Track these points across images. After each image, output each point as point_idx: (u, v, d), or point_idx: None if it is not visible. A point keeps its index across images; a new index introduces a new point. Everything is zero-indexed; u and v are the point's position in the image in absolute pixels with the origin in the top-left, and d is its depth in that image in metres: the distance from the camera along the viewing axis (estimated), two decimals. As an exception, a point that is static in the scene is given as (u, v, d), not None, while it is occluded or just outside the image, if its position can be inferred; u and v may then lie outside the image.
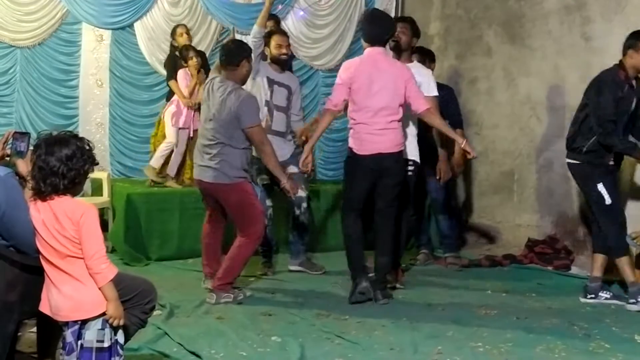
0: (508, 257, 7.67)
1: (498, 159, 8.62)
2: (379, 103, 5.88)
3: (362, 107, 5.92)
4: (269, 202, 6.85)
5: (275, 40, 6.85)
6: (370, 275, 6.10)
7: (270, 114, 6.78)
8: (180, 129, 7.98)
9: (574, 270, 7.26)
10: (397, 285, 6.45)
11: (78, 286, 3.46)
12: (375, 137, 5.90)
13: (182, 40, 8.35)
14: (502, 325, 5.35)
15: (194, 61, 8.08)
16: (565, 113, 7.67)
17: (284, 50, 6.85)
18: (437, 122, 6.11)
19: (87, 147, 3.53)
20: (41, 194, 3.45)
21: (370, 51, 6.01)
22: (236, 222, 6.07)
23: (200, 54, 8.36)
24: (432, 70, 7.51)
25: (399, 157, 6.00)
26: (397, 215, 6.19)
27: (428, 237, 7.89)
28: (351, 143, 6.03)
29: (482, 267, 7.50)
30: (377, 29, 6.03)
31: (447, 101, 7.49)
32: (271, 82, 6.79)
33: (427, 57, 7.60)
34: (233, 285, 6.03)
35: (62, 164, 3.44)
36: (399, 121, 5.95)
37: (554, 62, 7.85)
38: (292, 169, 6.76)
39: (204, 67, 8.27)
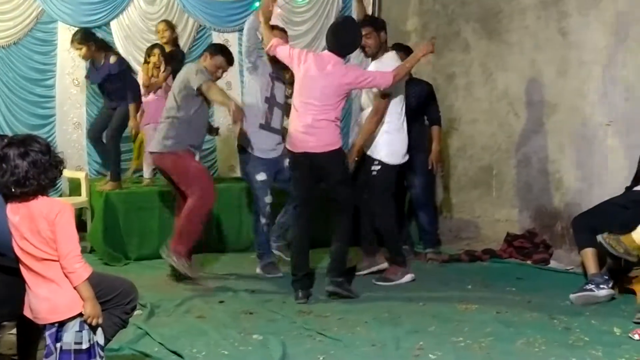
0: (487, 252, 7.69)
1: (476, 154, 8.65)
2: (307, 99, 5.92)
3: (295, 98, 6.05)
4: (268, 200, 6.81)
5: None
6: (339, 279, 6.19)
7: (270, 110, 6.75)
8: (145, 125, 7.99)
9: (553, 264, 7.29)
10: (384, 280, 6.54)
11: (54, 288, 3.45)
12: (302, 136, 5.95)
13: (159, 36, 8.38)
14: (483, 319, 5.36)
15: (155, 56, 8.05)
16: (542, 108, 7.72)
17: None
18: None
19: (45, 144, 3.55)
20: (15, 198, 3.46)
21: (323, 53, 6.11)
22: (182, 187, 6.36)
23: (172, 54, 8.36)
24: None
25: (332, 156, 5.95)
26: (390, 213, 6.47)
27: (408, 233, 7.90)
28: (286, 140, 6.18)
29: (462, 262, 7.51)
30: (336, 42, 6.03)
31: (426, 97, 7.53)
32: (272, 78, 6.78)
33: (404, 53, 7.61)
34: (189, 253, 6.32)
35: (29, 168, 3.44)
36: (331, 120, 5.93)
37: (531, 57, 7.88)
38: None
39: (169, 63, 8.26)
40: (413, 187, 7.61)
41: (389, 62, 6.37)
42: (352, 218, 6.16)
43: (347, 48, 6.12)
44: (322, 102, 5.91)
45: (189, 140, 6.43)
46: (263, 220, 6.79)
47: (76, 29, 8.78)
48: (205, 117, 6.70)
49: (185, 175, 6.33)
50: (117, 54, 7.90)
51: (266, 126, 6.75)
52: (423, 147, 7.50)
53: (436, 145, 7.56)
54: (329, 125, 5.93)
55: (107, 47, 7.86)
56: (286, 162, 6.69)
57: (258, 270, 6.87)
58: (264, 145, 6.75)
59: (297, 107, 6.01)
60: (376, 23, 6.66)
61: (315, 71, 5.95)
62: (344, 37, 6.06)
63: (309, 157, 5.94)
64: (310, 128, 5.91)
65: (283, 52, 6.20)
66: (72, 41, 7.72)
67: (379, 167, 6.38)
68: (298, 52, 6.15)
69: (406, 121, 6.88)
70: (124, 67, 7.74)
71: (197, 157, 6.71)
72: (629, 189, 6.17)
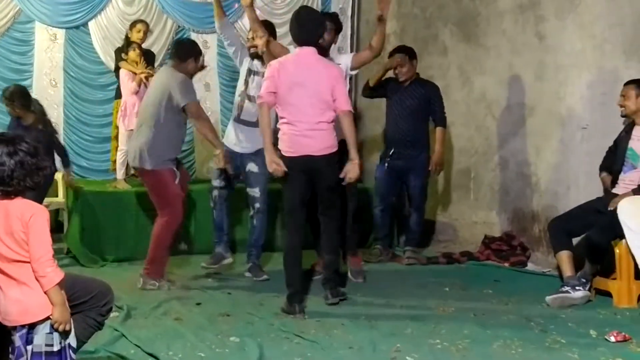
0: (465, 254, 7.72)
1: (454, 157, 8.67)
2: (306, 103, 5.72)
3: (288, 106, 5.76)
4: (216, 183, 6.78)
5: (249, 34, 6.85)
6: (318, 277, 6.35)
7: (241, 103, 6.74)
8: (129, 130, 7.85)
9: (530, 266, 7.32)
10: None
11: (25, 290, 3.42)
12: (303, 139, 5.73)
13: (137, 36, 8.23)
14: (460, 322, 5.37)
15: (135, 52, 8.01)
16: (519, 111, 7.75)
17: (248, 44, 6.75)
18: (346, 127, 5.80)
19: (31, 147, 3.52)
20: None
21: (300, 51, 5.89)
22: (155, 204, 6.38)
23: (147, 53, 8.32)
24: (415, 67, 7.67)
25: (330, 159, 5.81)
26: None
27: (386, 233, 7.88)
28: (280, 144, 5.83)
29: (440, 265, 7.55)
30: (304, 31, 5.87)
31: (430, 98, 7.57)
32: (249, 73, 6.76)
33: (408, 55, 7.63)
34: (162, 273, 6.30)
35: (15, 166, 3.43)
36: (329, 122, 5.79)
37: (509, 60, 7.91)
38: (252, 167, 6.73)
39: (150, 64, 8.24)
40: (412, 188, 7.64)
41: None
42: (340, 224, 6.11)
43: (316, 35, 5.93)
44: (321, 100, 5.73)
45: (168, 155, 6.32)
46: (211, 204, 6.84)
47: (54, 29, 8.78)
48: (184, 129, 6.59)
49: (162, 197, 6.30)
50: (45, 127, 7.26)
51: (237, 119, 6.77)
52: (425, 148, 7.55)
53: (439, 146, 7.58)
54: (328, 127, 5.80)
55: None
56: (251, 165, 6.69)
57: None
58: (230, 137, 6.80)
59: (293, 113, 5.73)
60: (338, 22, 7.02)
61: (302, 72, 5.75)
62: (309, 25, 5.88)
63: (308, 160, 5.72)
64: (310, 131, 5.72)
65: (269, 96, 5.76)
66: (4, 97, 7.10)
67: None
68: (272, 70, 5.80)
69: (409, 121, 7.38)
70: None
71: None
72: (606, 191, 6.21)
